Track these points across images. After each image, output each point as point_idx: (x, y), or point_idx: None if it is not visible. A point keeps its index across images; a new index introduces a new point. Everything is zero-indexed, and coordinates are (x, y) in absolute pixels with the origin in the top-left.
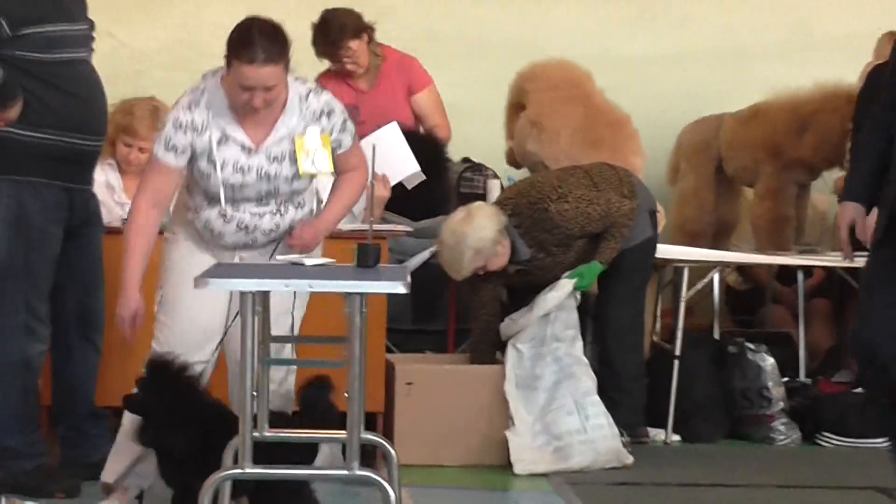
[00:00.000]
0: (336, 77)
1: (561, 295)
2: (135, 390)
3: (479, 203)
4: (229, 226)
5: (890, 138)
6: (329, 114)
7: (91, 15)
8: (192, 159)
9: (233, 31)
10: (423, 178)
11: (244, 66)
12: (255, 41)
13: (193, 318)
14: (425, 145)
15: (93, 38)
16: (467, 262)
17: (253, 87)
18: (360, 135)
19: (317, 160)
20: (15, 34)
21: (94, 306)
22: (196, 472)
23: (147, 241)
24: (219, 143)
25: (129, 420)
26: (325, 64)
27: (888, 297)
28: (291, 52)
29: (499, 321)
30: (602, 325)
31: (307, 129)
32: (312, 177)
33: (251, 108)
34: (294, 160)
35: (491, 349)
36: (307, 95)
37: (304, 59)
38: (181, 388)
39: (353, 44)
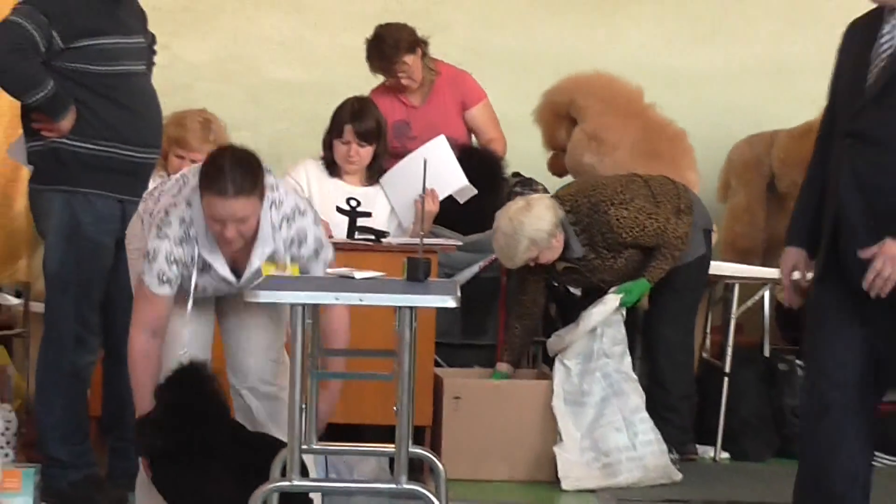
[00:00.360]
0: (388, 92)
1: (607, 310)
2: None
3: (538, 194)
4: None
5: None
6: (300, 243)
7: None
8: None
9: (205, 162)
10: (474, 191)
11: (214, 198)
12: (226, 173)
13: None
14: (482, 161)
15: (153, 52)
16: (522, 251)
17: (224, 220)
18: (414, 150)
19: None
20: (68, 46)
21: None
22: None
23: (153, 370)
24: (201, 270)
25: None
26: (375, 80)
27: (835, 352)
28: (266, 180)
29: (537, 320)
30: (652, 342)
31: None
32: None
33: (224, 239)
34: None
35: (523, 348)
36: (280, 224)
37: (358, 75)
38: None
39: (408, 58)
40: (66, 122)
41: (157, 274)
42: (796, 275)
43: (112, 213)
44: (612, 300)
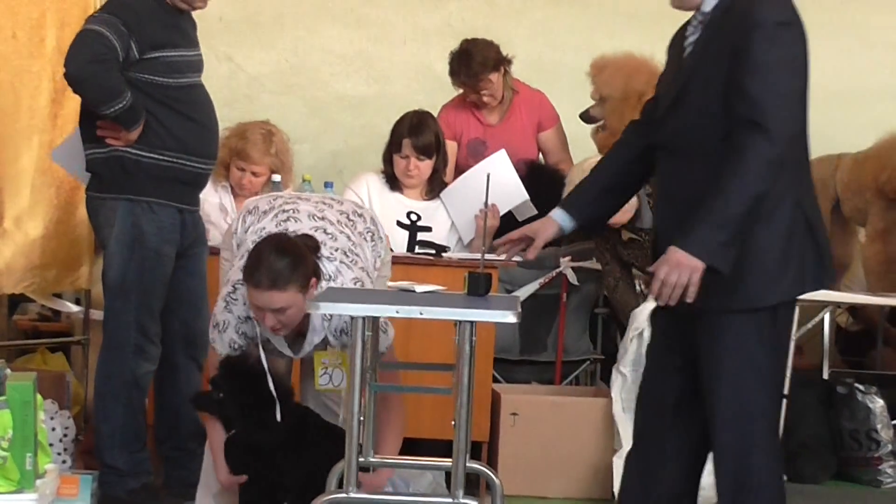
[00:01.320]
0: (464, 108)
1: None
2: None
3: None
4: None
5: (631, 159)
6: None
7: (210, 40)
8: None
9: (250, 251)
10: (534, 210)
11: (251, 288)
12: (263, 263)
13: None
14: (548, 179)
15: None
16: None
17: (262, 309)
18: None
19: (334, 377)
20: (142, 57)
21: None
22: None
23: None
24: (263, 346)
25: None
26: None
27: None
28: (321, 267)
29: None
30: None
31: (327, 346)
32: (328, 391)
33: (266, 327)
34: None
35: None
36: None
37: (419, 89)
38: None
39: (493, 76)
40: (135, 132)
41: (228, 343)
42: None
43: (173, 222)
44: None
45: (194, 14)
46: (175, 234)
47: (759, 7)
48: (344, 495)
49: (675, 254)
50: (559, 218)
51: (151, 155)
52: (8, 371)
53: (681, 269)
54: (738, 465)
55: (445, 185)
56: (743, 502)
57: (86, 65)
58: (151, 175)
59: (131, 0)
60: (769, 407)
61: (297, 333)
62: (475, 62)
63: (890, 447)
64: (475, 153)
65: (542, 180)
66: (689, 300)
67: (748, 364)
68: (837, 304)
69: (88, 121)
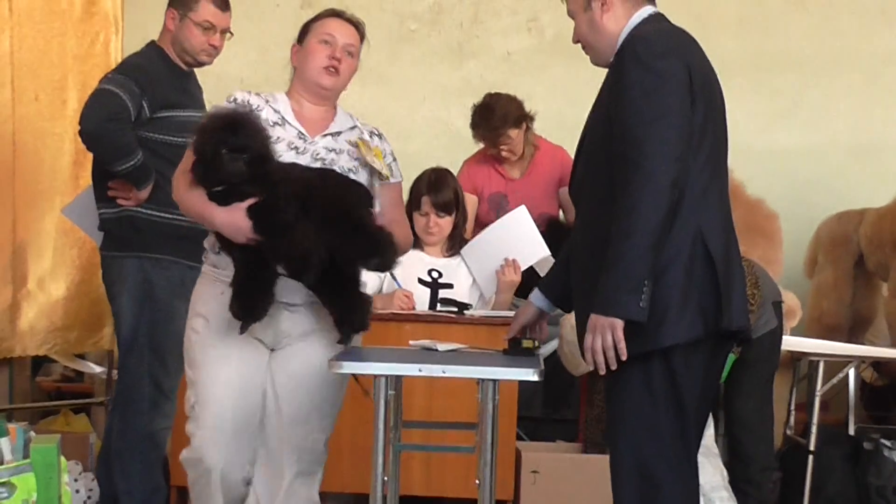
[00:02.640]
0: (486, 162)
1: None
2: None
3: None
4: None
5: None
6: (381, 136)
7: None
8: None
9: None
10: None
11: (330, 20)
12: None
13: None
14: (569, 235)
15: None
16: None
17: (335, 41)
18: None
19: (382, 166)
20: (153, 117)
21: None
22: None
23: None
24: (274, 124)
25: None
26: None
27: None
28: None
29: None
30: (730, 416)
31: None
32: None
33: (330, 67)
34: (351, 157)
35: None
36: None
37: (437, 145)
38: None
39: (513, 132)
40: (146, 191)
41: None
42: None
43: (183, 278)
44: None
45: (216, 75)
46: (186, 290)
47: (637, 42)
48: None
49: (592, 318)
50: (536, 300)
51: (161, 213)
52: (32, 434)
53: (603, 331)
54: None
55: (466, 241)
56: None
57: (100, 123)
58: (161, 233)
59: (143, 61)
60: (673, 469)
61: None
62: (496, 116)
63: None
64: (496, 207)
65: (560, 236)
66: (623, 357)
67: (640, 419)
68: (863, 359)
69: (101, 181)
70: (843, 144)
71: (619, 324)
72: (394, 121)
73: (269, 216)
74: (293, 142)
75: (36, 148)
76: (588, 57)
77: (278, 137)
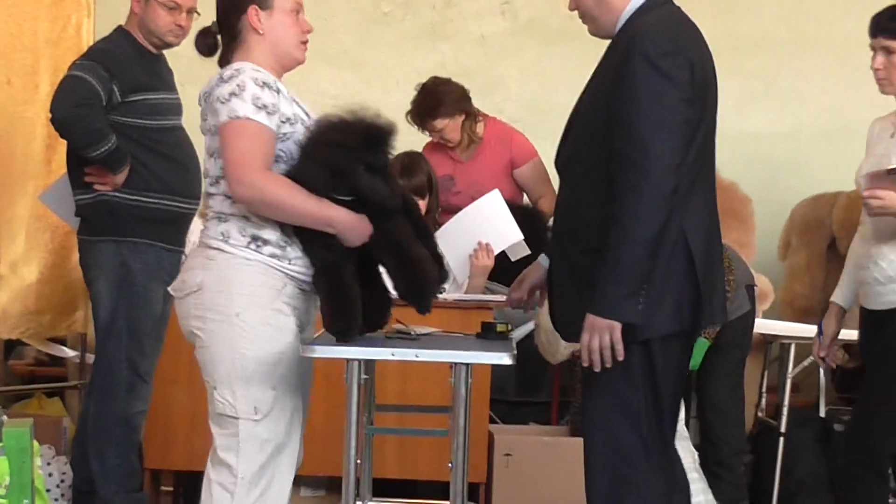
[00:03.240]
0: (438, 147)
1: None
2: None
3: None
4: None
5: None
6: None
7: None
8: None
9: None
10: (528, 251)
11: None
12: None
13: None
14: (528, 218)
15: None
16: (563, 347)
17: (302, 11)
18: (457, 204)
19: None
20: (123, 101)
21: None
22: None
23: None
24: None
25: None
26: None
27: None
28: None
29: None
30: (702, 400)
31: None
32: None
33: (305, 41)
34: None
35: None
36: None
37: (411, 130)
38: None
39: (440, 123)
40: (121, 176)
41: (251, 100)
42: None
43: (160, 261)
44: None
45: (189, 55)
46: (162, 273)
47: (644, 37)
48: None
49: (590, 319)
50: (545, 261)
51: (136, 197)
52: (5, 417)
53: (601, 332)
54: None
55: (439, 225)
56: None
57: (71, 109)
58: (137, 216)
59: (111, 46)
60: (644, 449)
61: None
62: (426, 105)
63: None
64: (443, 189)
65: (531, 220)
66: (620, 358)
67: (617, 403)
68: (841, 343)
69: (76, 167)
70: (816, 127)
71: (618, 326)
72: (367, 105)
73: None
74: (305, 121)
75: (8, 132)
76: (559, 41)
77: (297, 117)
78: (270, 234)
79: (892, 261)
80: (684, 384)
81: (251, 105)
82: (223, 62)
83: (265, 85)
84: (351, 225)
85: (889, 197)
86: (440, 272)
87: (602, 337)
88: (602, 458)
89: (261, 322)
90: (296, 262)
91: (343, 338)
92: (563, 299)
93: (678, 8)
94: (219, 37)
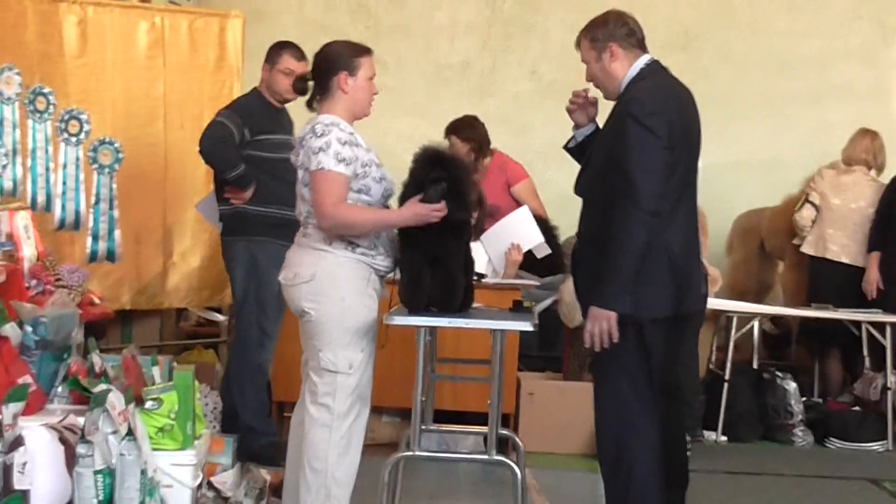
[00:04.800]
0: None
1: None
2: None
3: None
4: None
5: None
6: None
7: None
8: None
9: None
10: (549, 249)
11: (372, 61)
12: None
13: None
14: (544, 226)
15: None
16: (579, 316)
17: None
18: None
19: None
20: (253, 139)
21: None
22: None
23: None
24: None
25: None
26: None
27: None
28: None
29: None
30: None
31: None
32: None
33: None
34: None
35: None
36: None
37: None
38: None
39: (455, 140)
40: (249, 192)
41: (333, 155)
42: None
43: (278, 253)
44: None
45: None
46: (280, 262)
47: (634, 102)
48: (411, 453)
49: (593, 311)
50: None
51: (261, 209)
52: (175, 364)
53: (599, 320)
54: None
55: (483, 230)
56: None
57: (213, 145)
58: (262, 222)
59: (245, 101)
60: (638, 397)
61: None
62: (452, 124)
63: (800, 417)
64: None
65: (543, 229)
66: (615, 340)
67: (619, 367)
68: (764, 315)
69: (219, 187)
70: (752, 161)
71: (614, 316)
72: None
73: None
74: (377, 162)
75: (181, 162)
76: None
77: (371, 161)
78: (361, 239)
79: None
80: (677, 355)
81: (333, 159)
82: (311, 103)
83: (346, 143)
84: (405, 220)
85: None
86: (453, 300)
87: (601, 325)
88: (608, 405)
89: (358, 303)
90: (377, 258)
91: (413, 310)
92: (584, 287)
93: (668, 74)
94: (310, 83)
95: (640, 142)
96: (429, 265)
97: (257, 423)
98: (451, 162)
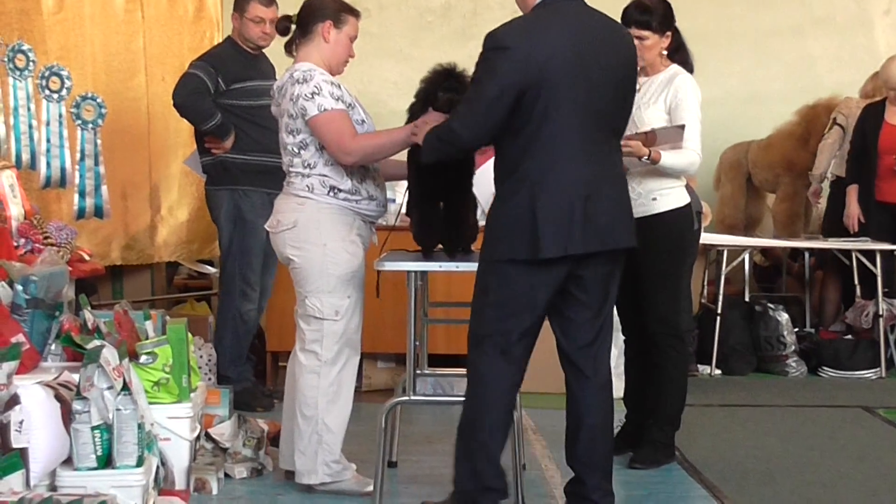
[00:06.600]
0: None
1: None
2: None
3: None
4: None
5: None
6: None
7: None
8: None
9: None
10: None
11: (356, 21)
12: None
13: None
14: None
15: None
16: None
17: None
18: None
19: None
20: (228, 88)
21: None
22: None
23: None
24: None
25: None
26: None
27: None
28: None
29: None
30: None
31: None
32: None
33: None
34: None
35: None
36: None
37: None
38: None
39: None
40: (229, 142)
41: (329, 94)
42: None
43: (263, 202)
44: None
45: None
46: (266, 210)
47: (487, 36)
48: (407, 398)
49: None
50: None
51: (242, 157)
52: (167, 317)
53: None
54: None
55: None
56: None
57: (186, 96)
58: (244, 170)
59: (218, 50)
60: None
61: None
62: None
63: (793, 347)
64: None
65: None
66: None
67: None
68: (754, 247)
69: (199, 139)
70: (736, 96)
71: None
72: (415, 90)
73: None
74: (355, 104)
75: (164, 116)
76: None
77: (355, 102)
78: (343, 184)
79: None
80: (546, 299)
81: (330, 99)
82: (290, 46)
83: (333, 83)
84: (421, 130)
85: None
86: (463, 238)
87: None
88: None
89: (341, 249)
90: (361, 203)
91: (426, 249)
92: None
93: (562, 7)
94: (293, 26)
95: (477, 76)
96: (438, 205)
97: (232, 372)
98: (461, 76)
